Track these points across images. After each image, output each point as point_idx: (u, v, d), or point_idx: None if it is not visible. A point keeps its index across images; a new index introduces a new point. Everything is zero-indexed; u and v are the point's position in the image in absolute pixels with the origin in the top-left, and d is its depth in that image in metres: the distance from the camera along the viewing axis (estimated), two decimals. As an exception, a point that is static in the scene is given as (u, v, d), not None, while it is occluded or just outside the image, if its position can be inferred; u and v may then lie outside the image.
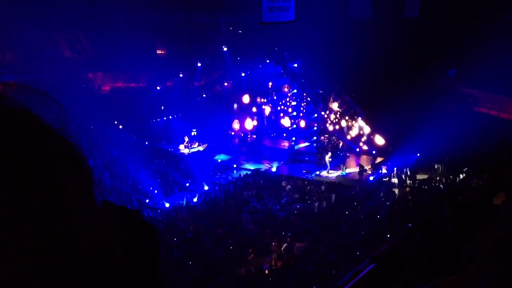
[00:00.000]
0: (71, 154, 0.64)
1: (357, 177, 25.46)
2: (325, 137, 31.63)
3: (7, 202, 0.51)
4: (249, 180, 25.14)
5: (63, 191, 0.57)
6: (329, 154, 26.86)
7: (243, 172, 26.79)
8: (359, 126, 29.83)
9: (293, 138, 31.84)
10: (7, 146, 0.55)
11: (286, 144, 32.15)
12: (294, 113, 35.26)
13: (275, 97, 35.91)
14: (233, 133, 34.83)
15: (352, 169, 26.85)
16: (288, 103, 35.71)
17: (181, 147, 32.13)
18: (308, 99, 32.62)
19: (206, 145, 32.56)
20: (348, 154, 29.06)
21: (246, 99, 34.98)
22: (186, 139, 32.54)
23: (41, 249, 0.52)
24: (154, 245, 0.74)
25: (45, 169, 0.56)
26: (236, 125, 34.81)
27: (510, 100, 26.81)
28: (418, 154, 25.76)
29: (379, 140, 28.39)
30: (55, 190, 0.56)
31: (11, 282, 0.49)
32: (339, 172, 26.19)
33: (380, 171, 25.81)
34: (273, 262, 15.54)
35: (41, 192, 0.54)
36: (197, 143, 32.63)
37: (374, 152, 27.70)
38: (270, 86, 35.98)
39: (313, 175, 26.50)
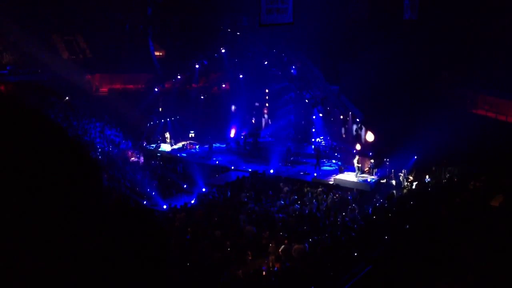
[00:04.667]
0: (78, 152, 0.65)
1: (355, 179, 25.45)
2: (321, 139, 31.64)
3: (9, 199, 0.51)
4: (246, 181, 25.14)
5: (67, 188, 0.58)
6: (357, 157, 26.43)
7: (241, 174, 26.79)
8: (357, 128, 29.83)
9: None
10: (17, 144, 0.55)
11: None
12: (292, 115, 35.26)
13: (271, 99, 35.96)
14: (232, 135, 34.89)
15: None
16: (285, 105, 35.70)
17: (165, 146, 32.21)
18: (306, 101, 32.60)
19: (186, 142, 32.77)
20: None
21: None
22: (167, 135, 32.71)
23: (45, 242, 0.52)
24: (164, 243, 0.75)
25: (53, 166, 0.56)
26: (232, 133, 35.08)
27: (508, 102, 26.88)
28: (416, 157, 25.79)
29: (377, 142, 28.39)
30: (59, 187, 0.56)
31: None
32: (372, 177, 25.71)
33: (378, 173, 25.83)
34: (270, 264, 15.52)
35: (46, 187, 0.55)
36: (189, 143, 32.80)
37: (371, 154, 27.70)
38: (267, 92, 36.02)
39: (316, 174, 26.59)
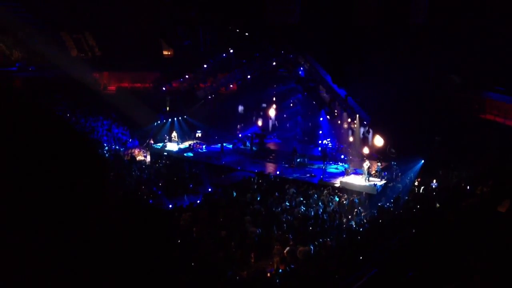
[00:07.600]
0: (85, 149, 0.64)
1: (362, 182, 25.32)
2: (328, 141, 31.56)
3: (14, 193, 0.51)
4: (253, 182, 25.11)
5: (72, 184, 0.57)
6: (367, 162, 26.26)
7: (247, 175, 26.76)
8: (364, 131, 29.76)
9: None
10: (24, 139, 0.55)
11: None
12: (299, 117, 35.22)
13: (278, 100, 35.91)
14: (240, 135, 34.89)
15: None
16: (293, 107, 35.67)
17: (171, 145, 32.20)
18: (313, 102, 32.56)
19: (192, 142, 32.76)
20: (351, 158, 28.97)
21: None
22: (174, 134, 32.77)
23: (50, 235, 0.52)
24: (169, 242, 0.74)
25: (59, 162, 0.56)
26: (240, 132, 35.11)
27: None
28: (423, 161, 25.68)
29: (384, 145, 28.30)
30: (65, 183, 0.56)
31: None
32: (379, 180, 25.39)
33: (385, 177, 25.72)
34: (275, 266, 15.49)
35: (52, 182, 0.54)
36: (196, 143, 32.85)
37: (378, 157, 27.62)
38: (274, 93, 36.00)
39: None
